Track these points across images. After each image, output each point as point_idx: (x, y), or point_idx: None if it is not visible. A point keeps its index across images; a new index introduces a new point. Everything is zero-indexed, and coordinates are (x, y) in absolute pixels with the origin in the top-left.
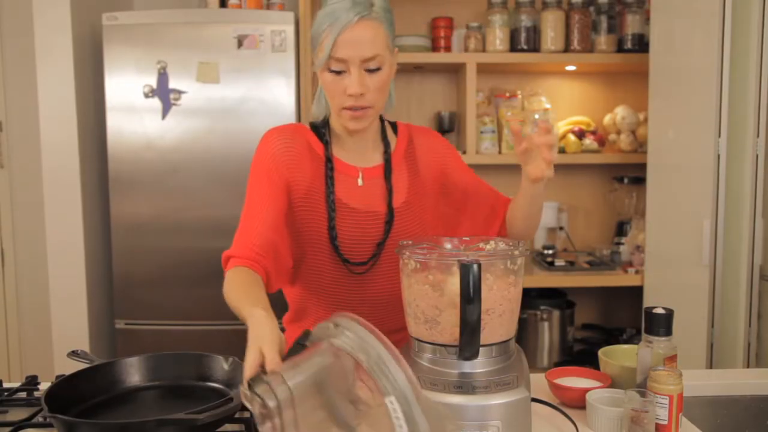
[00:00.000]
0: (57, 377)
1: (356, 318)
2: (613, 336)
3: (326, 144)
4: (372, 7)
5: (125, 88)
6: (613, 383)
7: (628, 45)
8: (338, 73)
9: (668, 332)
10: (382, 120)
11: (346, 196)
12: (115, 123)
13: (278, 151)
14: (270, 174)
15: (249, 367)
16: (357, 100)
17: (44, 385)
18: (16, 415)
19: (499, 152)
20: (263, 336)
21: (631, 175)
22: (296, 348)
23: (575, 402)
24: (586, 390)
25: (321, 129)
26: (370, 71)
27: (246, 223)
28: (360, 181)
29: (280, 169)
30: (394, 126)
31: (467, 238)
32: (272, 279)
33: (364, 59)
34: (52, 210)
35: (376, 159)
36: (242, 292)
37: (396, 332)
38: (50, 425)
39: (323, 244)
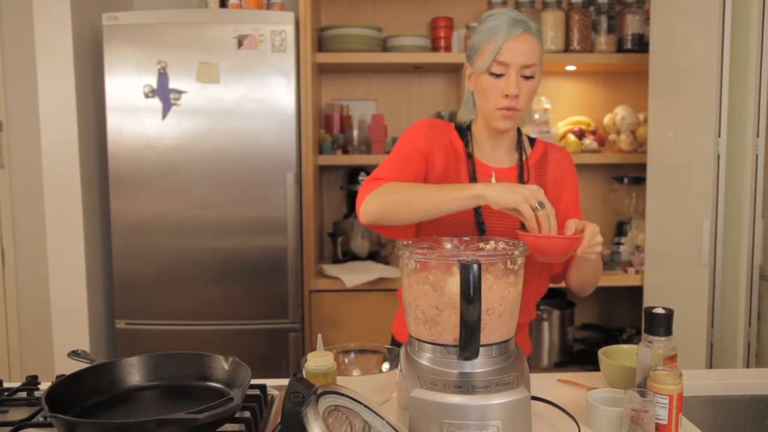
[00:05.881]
0: (57, 377)
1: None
2: (613, 336)
3: (466, 143)
4: (529, 24)
5: (125, 88)
6: (613, 383)
7: (628, 45)
8: (497, 76)
9: (668, 332)
10: (519, 132)
11: None
12: (115, 123)
13: (424, 133)
14: (412, 145)
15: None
16: (511, 101)
17: (44, 385)
18: (17, 414)
19: None
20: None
21: (631, 175)
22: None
23: (557, 255)
24: (569, 239)
25: (464, 130)
26: (525, 78)
27: (381, 173)
28: (493, 180)
29: (423, 145)
30: (532, 140)
31: (467, 238)
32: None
33: (523, 65)
34: (52, 210)
35: (508, 163)
36: (426, 186)
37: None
38: (50, 425)
39: (465, 232)
